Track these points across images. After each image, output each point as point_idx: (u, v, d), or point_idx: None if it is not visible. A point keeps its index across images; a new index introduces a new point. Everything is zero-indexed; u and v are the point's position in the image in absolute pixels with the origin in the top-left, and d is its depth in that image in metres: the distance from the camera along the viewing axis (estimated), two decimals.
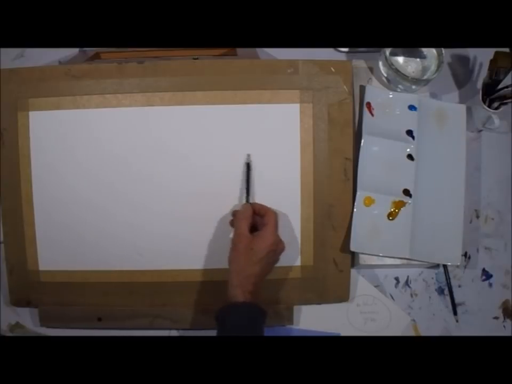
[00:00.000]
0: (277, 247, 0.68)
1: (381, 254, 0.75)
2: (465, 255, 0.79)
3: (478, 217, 0.81)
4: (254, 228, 0.69)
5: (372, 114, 0.78)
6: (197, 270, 0.75)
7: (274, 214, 0.69)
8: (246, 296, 0.64)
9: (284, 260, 0.75)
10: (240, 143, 0.75)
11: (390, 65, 0.77)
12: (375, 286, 0.78)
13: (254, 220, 0.70)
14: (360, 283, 0.77)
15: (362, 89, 0.79)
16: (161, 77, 0.74)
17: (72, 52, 0.82)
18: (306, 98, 0.74)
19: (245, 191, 0.73)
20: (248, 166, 0.73)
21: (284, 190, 0.75)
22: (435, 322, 0.78)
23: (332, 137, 0.75)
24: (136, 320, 0.75)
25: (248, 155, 0.73)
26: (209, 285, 0.75)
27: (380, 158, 0.76)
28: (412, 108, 0.78)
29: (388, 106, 0.78)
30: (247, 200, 0.72)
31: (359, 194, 0.75)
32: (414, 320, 0.77)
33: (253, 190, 0.73)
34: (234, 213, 0.72)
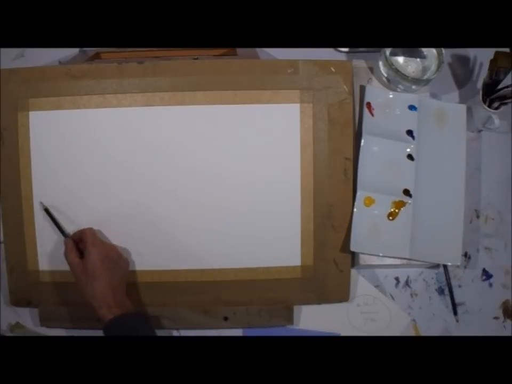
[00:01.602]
0: (108, 253, 0.70)
1: (381, 254, 0.75)
2: (465, 255, 0.79)
3: (478, 217, 0.81)
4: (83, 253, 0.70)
5: (372, 114, 0.78)
6: (197, 270, 0.75)
7: (87, 230, 0.71)
8: (113, 310, 0.65)
9: (284, 260, 0.75)
10: (240, 143, 0.75)
11: (390, 65, 0.77)
12: (375, 286, 0.78)
13: (79, 247, 0.71)
14: (360, 283, 0.77)
15: (362, 89, 0.79)
16: (161, 77, 0.74)
17: (72, 51, 0.82)
18: (307, 98, 0.74)
19: (57, 230, 0.73)
20: (47, 211, 0.73)
21: (284, 190, 0.75)
22: (435, 322, 0.78)
23: (332, 137, 0.75)
24: None
25: (41, 203, 0.74)
26: (210, 285, 0.75)
27: (380, 158, 0.76)
28: (412, 107, 0.78)
29: (388, 106, 0.78)
30: (64, 236, 0.72)
31: (359, 194, 0.75)
32: (414, 320, 0.77)
33: (61, 227, 0.73)
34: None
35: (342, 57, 0.83)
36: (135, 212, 0.75)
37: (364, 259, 0.76)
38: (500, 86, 0.76)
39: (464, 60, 0.84)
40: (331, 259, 0.75)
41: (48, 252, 0.75)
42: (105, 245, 0.71)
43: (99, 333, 0.74)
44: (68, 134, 0.74)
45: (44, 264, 0.75)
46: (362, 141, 0.76)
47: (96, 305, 0.66)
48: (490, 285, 0.79)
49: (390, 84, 0.81)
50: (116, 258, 0.71)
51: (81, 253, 0.70)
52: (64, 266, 0.74)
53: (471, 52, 0.84)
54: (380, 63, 0.80)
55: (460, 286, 0.79)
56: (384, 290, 0.78)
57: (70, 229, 0.74)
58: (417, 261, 0.75)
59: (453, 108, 0.80)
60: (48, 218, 0.74)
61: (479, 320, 0.78)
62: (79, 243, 0.71)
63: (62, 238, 0.72)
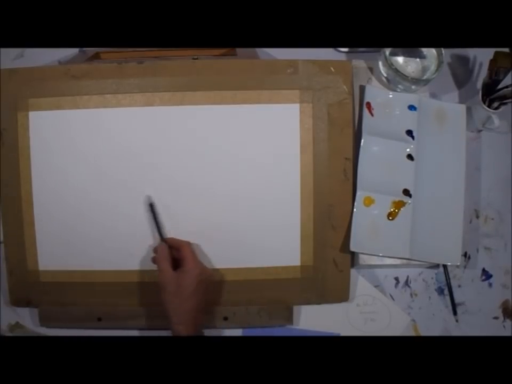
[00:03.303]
0: (203, 276, 0.68)
1: (380, 254, 0.75)
2: (465, 255, 0.79)
3: (478, 217, 0.81)
4: (175, 261, 0.69)
5: (372, 114, 0.78)
6: None
7: (188, 246, 0.70)
8: (189, 330, 0.65)
9: (284, 260, 0.75)
10: (239, 143, 0.75)
11: (390, 65, 0.77)
12: (375, 286, 0.78)
13: (172, 255, 0.70)
14: (360, 283, 0.77)
15: (362, 89, 0.79)
16: (161, 77, 0.74)
17: (72, 51, 0.82)
18: (306, 98, 0.74)
19: (156, 230, 0.72)
20: (151, 206, 0.73)
21: (284, 190, 0.75)
22: (435, 322, 0.78)
23: (332, 137, 0.75)
24: (136, 320, 0.75)
25: (148, 196, 0.73)
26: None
27: (379, 158, 0.76)
28: (411, 108, 0.78)
29: (388, 106, 0.78)
30: (161, 238, 0.72)
31: (359, 194, 0.75)
32: (414, 320, 0.77)
33: (162, 227, 0.72)
34: (155, 251, 0.72)
35: (342, 57, 0.83)
36: (135, 212, 0.75)
37: (364, 259, 0.76)
38: (499, 86, 0.76)
39: (464, 60, 0.84)
40: (331, 259, 0.75)
41: (48, 252, 0.75)
42: (202, 265, 0.69)
43: (99, 333, 0.74)
44: (68, 134, 0.74)
45: (44, 264, 0.75)
46: (362, 141, 0.76)
47: (175, 320, 0.65)
48: (490, 285, 0.79)
49: (389, 84, 0.81)
50: (208, 282, 0.69)
51: (173, 261, 0.69)
52: (64, 266, 0.75)
53: (470, 52, 0.84)
54: (380, 63, 0.80)
55: (459, 286, 0.79)
56: (384, 290, 0.78)
57: (70, 228, 0.74)
58: (417, 261, 0.75)
59: (452, 108, 0.80)
60: (150, 216, 0.72)
61: (478, 320, 0.78)
62: (173, 250, 0.70)
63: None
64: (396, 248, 0.74)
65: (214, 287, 0.74)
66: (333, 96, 0.75)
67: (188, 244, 0.71)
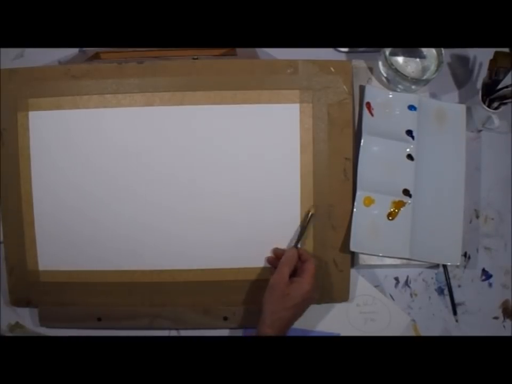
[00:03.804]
0: (312, 295, 0.69)
1: (380, 254, 0.75)
2: (465, 255, 0.79)
3: (478, 217, 0.81)
4: (293, 271, 0.70)
5: (372, 114, 0.78)
6: (197, 270, 0.75)
7: (314, 263, 0.70)
8: (275, 333, 0.65)
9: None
10: (239, 143, 0.75)
11: (390, 65, 0.77)
12: (375, 286, 0.78)
13: (295, 264, 0.70)
14: (360, 283, 0.77)
15: (362, 89, 0.79)
16: (161, 77, 0.74)
17: (72, 51, 0.82)
18: (306, 98, 0.74)
19: (298, 235, 0.73)
20: (309, 216, 0.73)
21: (284, 190, 0.75)
22: (435, 322, 0.78)
23: (332, 137, 0.75)
24: (136, 320, 0.75)
25: (313, 206, 0.73)
26: (209, 285, 0.75)
27: (379, 158, 0.76)
28: (411, 108, 0.78)
29: (388, 106, 0.78)
30: (296, 245, 0.72)
31: (359, 194, 0.75)
32: (414, 320, 0.77)
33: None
34: (277, 253, 0.73)
35: (342, 57, 0.83)
36: (135, 212, 0.75)
37: (364, 259, 0.76)
38: (499, 86, 0.76)
39: (464, 60, 0.84)
40: (331, 259, 0.75)
41: (48, 252, 0.75)
42: (314, 286, 0.69)
43: (99, 333, 0.74)
44: (68, 134, 0.74)
45: (44, 264, 0.75)
46: (362, 141, 0.76)
47: (268, 322, 0.66)
48: (490, 285, 0.79)
49: (389, 84, 0.81)
50: (311, 302, 0.70)
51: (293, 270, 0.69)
52: (64, 266, 0.75)
53: (470, 52, 0.84)
54: (380, 63, 0.80)
55: (459, 286, 0.79)
56: (384, 290, 0.78)
57: (70, 228, 0.74)
58: (417, 261, 0.75)
59: (452, 108, 0.80)
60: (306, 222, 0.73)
61: (478, 320, 0.78)
62: (298, 260, 0.71)
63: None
64: (395, 248, 0.74)
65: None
66: (333, 96, 0.75)
67: (313, 260, 0.71)
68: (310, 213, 0.73)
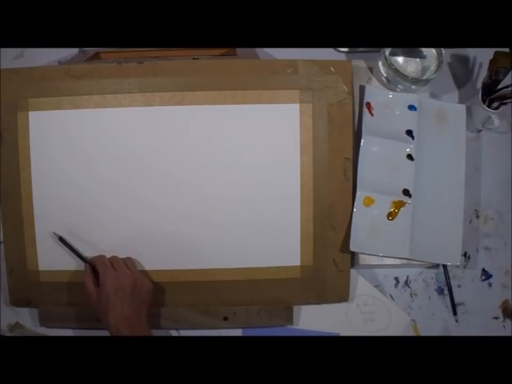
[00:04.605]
0: (121, 283, 0.68)
1: (380, 254, 0.75)
2: (465, 255, 0.79)
3: (478, 217, 0.81)
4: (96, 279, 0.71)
5: (372, 114, 0.78)
6: (197, 270, 0.75)
7: (97, 260, 0.71)
8: (122, 332, 0.65)
9: (284, 260, 0.75)
10: (239, 143, 0.75)
11: (390, 65, 0.77)
12: (375, 286, 0.78)
13: (97, 271, 0.71)
14: (360, 283, 0.77)
15: (362, 89, 0.79)
16: (161, 77, 0.74)
17: (72, 51, 0.82)
18: (306, 98, 0.74)
19: (76, 256, 0.73)
20: (61, 240, 0.74)
21: (284, 190, 0.75)
22: (435, 322, 0.78)
23: (332, 137, 0.75)
24: None
25: (53, 233, 0.74)
26: (209, 285, 0.75)
27: (379, 158, 0.76)
28: (411, 108, 0.78)
29: (388, 106, 0.78)
30: (83, 261, 0.73)
31: (359, 194, 0.75)
32: (413, 320, 0.77)
33: (79, 253, 0.74)
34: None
35: (342, 57, 0.83)
36: (135, 211, 0.75)
37: (364, 259, 0.76)
38: (499, 86, 0.76)
39: (464, 60, 0.84)
40: (331, 259, 0.75)
41: (48, 252, 0.75)
42: (118, 274, 0.69)
43: (99, 333, 0.74)
44: (68, 134, 0.74)
45: (43, 264, 0.75)
46: (362, 141, 0.76)
47: (110, 334, 0.66)
48: (490, 285, 0.79)
49: (389, 84, 0.81)
50: (131, 288, 0.68)
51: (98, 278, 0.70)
52: (64, 266, 0.75)
53: (470, 52, 0.84)
54: (380, 63, 0.80)
55: (459, 286, 0.79)
56: (384, 290, 0.78)
57: (70, 228, 0.74)
58: (417, 261, 0.75)
59: (452, 108, 0.80)
60: (64, 246, 0.74)
61: (478, 320, 0.78)
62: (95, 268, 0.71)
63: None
64: (395, 248, 0.74)
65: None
66: (333, 96, 0.75)
67: (99, 258, 0.72)
68: (58, 237, 0.74)
